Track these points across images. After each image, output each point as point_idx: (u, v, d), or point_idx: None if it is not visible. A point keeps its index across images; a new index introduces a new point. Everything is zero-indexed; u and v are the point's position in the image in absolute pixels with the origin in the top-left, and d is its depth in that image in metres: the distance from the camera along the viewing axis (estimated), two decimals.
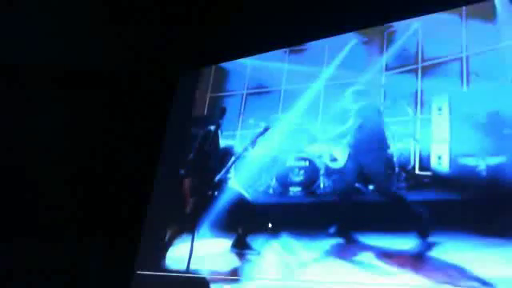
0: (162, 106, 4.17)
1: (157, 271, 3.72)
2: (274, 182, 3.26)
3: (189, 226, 3.58)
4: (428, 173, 2.70)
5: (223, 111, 3.76)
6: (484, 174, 2.49)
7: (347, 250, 2.80)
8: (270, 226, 3.14)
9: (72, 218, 3.93)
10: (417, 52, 2.97)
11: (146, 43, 4.13)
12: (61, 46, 3.96)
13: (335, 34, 3.38)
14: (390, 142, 2.89)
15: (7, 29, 3.81)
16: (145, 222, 3.95)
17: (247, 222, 3.32)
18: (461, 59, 2.78)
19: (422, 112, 2.85)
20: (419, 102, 2.86)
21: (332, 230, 2.89)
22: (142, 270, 3.81)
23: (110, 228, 3.96)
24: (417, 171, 2.76)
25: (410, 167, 2.79)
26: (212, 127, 3.75)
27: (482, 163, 2.49)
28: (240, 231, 3.31)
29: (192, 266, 3.45)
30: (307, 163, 3.17)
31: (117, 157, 4.08)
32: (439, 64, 2.86)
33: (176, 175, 3.97)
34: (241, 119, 3.67)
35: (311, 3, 3.47)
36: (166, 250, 3.68)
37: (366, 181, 2.87)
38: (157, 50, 4.15)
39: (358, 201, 2.91)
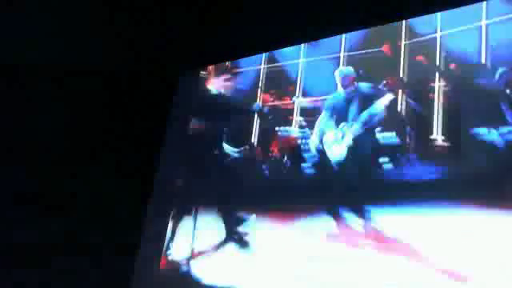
0: (162, 106, 4.17)
1: (156, 272, 3.72)
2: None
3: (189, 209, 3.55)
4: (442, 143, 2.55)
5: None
6: (498, 144, 2.33)
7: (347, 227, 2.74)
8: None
9: (72, 218, 3.93)
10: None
11: (146, 43, 4.13)
12: (61, 46, 3.96)
13: (338, 34, 3.36)
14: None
15: (7, 29, 3.81)
16: (145, 221, 3.95)
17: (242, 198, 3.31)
18: (480, 28, 2.57)
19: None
20: (437, 73, 2.67)
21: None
22: (142, 271, 3.81)
23: (110, 228, 3.96)
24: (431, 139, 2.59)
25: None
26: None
27: (495, 133, 2.36)
28: (232, 210, 3.29)
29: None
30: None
31: (117, 157, 4.08)
32: (456, 34, 2.66)
33: (176, 175, 3.96)
34: (261, 92, 3.54)
35: (312, 2, 3.46)
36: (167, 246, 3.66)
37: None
38: (157, 50, 4.15)
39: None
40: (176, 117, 4.15)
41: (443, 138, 2.53)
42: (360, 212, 2.71)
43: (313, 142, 3.08)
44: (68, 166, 4.01)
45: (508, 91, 2.40)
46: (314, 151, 3.04)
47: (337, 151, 2.92)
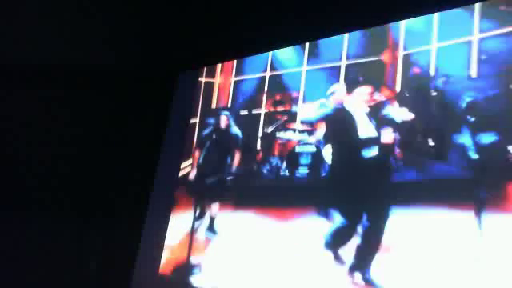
0: (162, 106, 4.18)
1: (156, 272, 3.73)
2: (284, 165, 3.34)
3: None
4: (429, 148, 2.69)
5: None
6: (473, 152, 2.49)
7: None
8: None
9: (72, 218, 3.94)
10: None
11: (146, 43, 4.13)
12: (61, 46, 3.96)
13: (338, 34, 3.36)
14: None
15: (7, 29, 3.82)
16: (145, 221, 3.95)
17: None
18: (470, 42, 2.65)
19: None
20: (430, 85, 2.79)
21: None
22: (142, 271, 3.82)
23: (110, 228, 3.97)
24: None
25: None
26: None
27: (469, 141, 2.51)
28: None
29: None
30: (314, 148, 3.22)
31: (117, 157, 4.09)
32: (448, 48, 2.75)
33: (176, 175, 3.97)
34: (265, 97, 3.62)
35: (312, 2, 3.46)
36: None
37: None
38: (157, 50, 4.15)
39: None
40: (176, 116, 4.15)
41: (431, 144, 2.67)
42: (348, 213, 2.88)
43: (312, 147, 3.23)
44: (68, 166, 4.03)
45: (469, 117, 2.55)
46: (311, 157, 3.21)
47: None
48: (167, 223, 3.82)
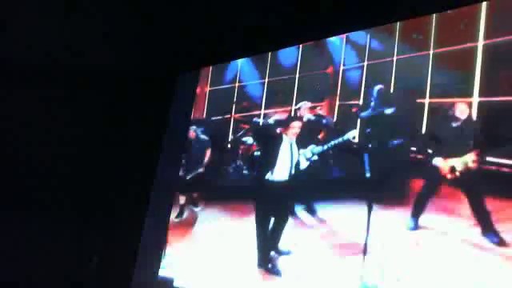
0: (162, 106, 4.18)
1: (156, 272, 3.73)
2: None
3: None
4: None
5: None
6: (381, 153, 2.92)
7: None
8: None
9: (72, 218, 3.95)
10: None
11: (146, 43, 4.14)
12: (61, 46, 3.97)
13: (337, 34, 3.38)
14: None
15: (7, 29, 3.82)
16: (145, 222, 3.96)
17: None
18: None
19: None
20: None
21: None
22: (142, 271, 3.82)
23: (110, 228, 3.98)
24: None
25: None
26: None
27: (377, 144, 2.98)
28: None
29: None
30: None
31: (117, 157, 4.09)
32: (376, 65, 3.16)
33: (176, 175, 3.98)
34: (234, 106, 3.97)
35: (312, 3, 3.46)
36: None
37: None
38: (157, 50, 4.16)
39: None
40: (176, 116, 4.16)
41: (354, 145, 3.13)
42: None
43: None
44: (68, 166, 4.03)
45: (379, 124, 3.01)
46: None
47: None
48: (167, 223, 3.84)
